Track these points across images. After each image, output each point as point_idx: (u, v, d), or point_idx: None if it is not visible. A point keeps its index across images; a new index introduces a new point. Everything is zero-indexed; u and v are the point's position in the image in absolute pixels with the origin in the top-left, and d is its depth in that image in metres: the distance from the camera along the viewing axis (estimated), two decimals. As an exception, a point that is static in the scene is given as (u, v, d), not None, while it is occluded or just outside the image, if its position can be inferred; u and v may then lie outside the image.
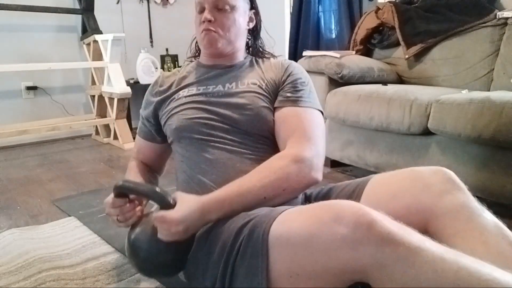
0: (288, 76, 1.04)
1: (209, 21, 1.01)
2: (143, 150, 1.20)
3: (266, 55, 1.18)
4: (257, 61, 1.13)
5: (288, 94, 1.00)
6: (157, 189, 0.85)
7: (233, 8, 1.03)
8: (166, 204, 0.83)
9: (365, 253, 0.63)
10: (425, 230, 0.75)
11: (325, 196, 1.00)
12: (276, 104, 1.01)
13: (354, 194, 0.92)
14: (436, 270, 0.60)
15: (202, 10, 1.03)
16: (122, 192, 0.91)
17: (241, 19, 1.06)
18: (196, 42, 1.18)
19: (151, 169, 1.21)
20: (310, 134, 0.94)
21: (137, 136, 1.21)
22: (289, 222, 0.74)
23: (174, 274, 0.96)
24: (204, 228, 0.87)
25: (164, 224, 0.81)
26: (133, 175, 1.11)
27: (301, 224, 0.71)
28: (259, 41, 1.19)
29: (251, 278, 0.75)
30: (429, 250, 0.62)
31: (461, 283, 0.58)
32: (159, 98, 1.10)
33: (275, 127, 1.00)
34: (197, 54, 1.21)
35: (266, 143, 1.00)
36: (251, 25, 1.13)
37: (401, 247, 0.62)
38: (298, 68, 1.08)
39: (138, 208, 0.96)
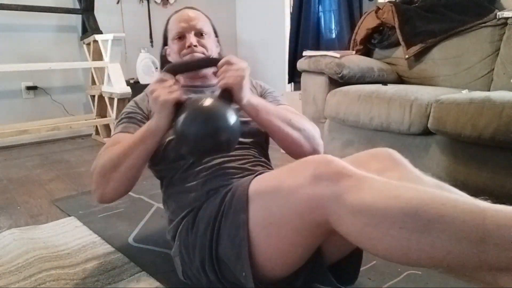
0: (265, 91, 1.23)
1: (195, 45, 1.11)
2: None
3: None
4: None
5: (270, 100, 1.17)
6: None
7: (207, 34, 1.16)
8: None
9: (324, 186, 0.72)
10: None
11: None
12: None
13: None
14: (380, 189, 0.69)
15: (181, 37, 1.13)
16: (173, 70, 0.97)
17: (213, 43, 1.20)
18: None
19: None
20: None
21: (121, 135, 1.08)
22: (266, 177, 0.86)
23: (224, 152, 0.94)
24: (190, 216, 0.94)
25: (233, 65, 0.91)
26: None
27: (276, 175, 0.84)
28: None
29: (233, 237, 0.81)
30: (376, 178, 0.72)
31: (400, 194, 0.67)
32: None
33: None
34: None
35: (259, 147, 1.13)
36: (218, 50, 1.23)
37: (353, 177, 0.71)
38: (266, 85, 1.27)
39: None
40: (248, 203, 0.81)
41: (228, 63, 0.92)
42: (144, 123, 1.08)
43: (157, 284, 1.06)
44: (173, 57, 1.16)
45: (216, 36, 1.23)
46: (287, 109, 1.12)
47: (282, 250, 0.79)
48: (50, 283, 1.07)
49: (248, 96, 0.94)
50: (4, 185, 2.01)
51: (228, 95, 0.90)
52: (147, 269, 1.14)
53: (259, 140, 1.12)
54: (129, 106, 1.17)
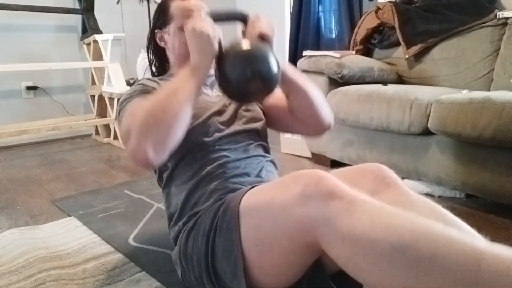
0: None
1: None
2: None
3: None
4: None
5: None
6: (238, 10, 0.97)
7: None
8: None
9: (313, 207, 0.68)
10: None
11: None
12: None
13: None
14: (372, 217, 0.64)
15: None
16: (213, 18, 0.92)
17: None
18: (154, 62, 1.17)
19: None
20: None
21: (140, 99, 0.95)
22: (258, 192, 0.82)
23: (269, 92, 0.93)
24: (191, 222, 0.93)
25: (263, 18, 0.92)
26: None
27: (267, 191, 0.80)
28: None
29: (228, 254, 0.79)
30: (370, 202, 0.67)
31: (392, 224, 0.62)
32: None
33: (275, 109, 1.13)
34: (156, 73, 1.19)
35: (257, 134, 1.10)
36: None
37: (343, 200, 0.67)
38: None
39: None
40: (240, 220, 0.79)
41: (258, 17, 0.93)
42: None
43: (157, 284, 1.06)
44: (174, 46, 1.06)
45: None
46: None
47: (276, 267, 0.77)
48: (50, 283, 1.07)
49: None
50: (4, 185, 2.01)
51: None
52: (147, 269, 1.14)
53: (257, 127, 1.08)
54: (140, 86, 1.03)
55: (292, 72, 1.01)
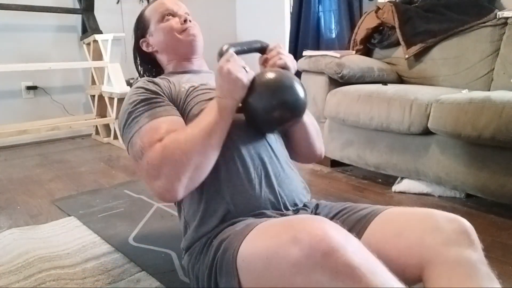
0: None
1: (190, 20, 1.07)
2: (180, 125, 0.89)
3: None
4: None
5: None
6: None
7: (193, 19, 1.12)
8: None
9: (317, 282, 0.58)
10: (419, 276, 0.72)
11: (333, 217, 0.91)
12: None
13: (360, 225, 0.85)
14: None
15: (169, 17, 1.07)
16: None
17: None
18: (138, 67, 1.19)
19: None
20: None
21: (164, 118, 0.88)
22: (254, 242, 0.72)
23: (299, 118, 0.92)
24: (205, 238, 0.88)
25: (284, 50, 0.93)
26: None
27: (262, 244, 0.69)
28: None
29: None
30: None
31: None
32: (168, 93, 0.98)
33: None
34: (152, 75, 1.18)
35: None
36: None
37: (357, 284, 0.56)
38: None
39: None
40: (238, 271, 0.72)
41: (278, 47, 0.94)
42: (170, 105, 0.93)
43: (157, 284, 1.06)
44: (161, 41, 1.08)
45: None
46: None
47: None
48: (50, 283, 1.07)
49: None
50: (4, 185, 2.01)
51: None
52: (147, 269, 1.14)
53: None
54: (141, 94, 0.93)
55: None
